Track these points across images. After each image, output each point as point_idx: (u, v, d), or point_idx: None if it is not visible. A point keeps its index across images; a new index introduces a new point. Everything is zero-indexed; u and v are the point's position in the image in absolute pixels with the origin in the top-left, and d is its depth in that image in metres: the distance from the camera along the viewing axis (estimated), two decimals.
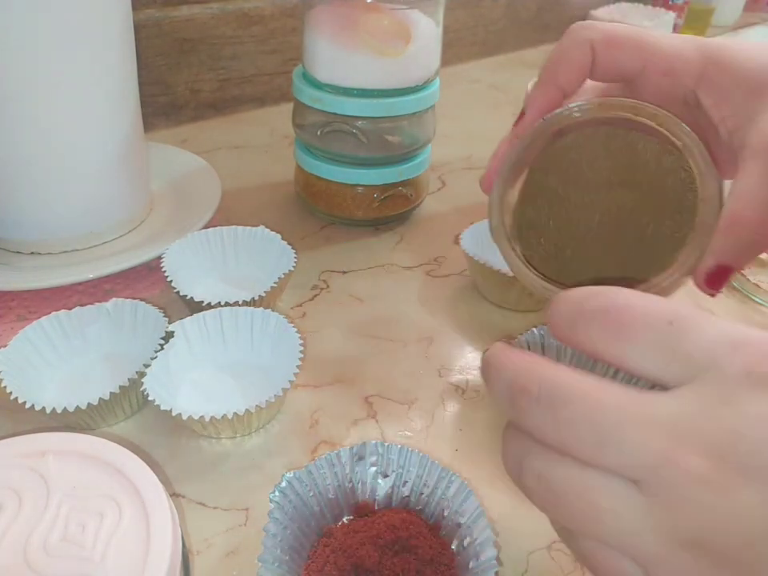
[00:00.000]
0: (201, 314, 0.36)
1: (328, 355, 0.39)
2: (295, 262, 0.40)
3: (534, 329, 0.36)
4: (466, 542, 0.26)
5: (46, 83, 0.38)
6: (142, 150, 0.47)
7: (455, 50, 0.92)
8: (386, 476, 0.28)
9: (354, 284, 0.46)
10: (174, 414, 0.30)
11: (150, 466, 0.24)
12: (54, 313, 0.35)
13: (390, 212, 0.51)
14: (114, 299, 0.36)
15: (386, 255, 0.49)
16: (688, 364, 0.18)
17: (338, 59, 0.45)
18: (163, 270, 0.39)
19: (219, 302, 0.37)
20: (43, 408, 0.30)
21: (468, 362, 0.39)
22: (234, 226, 0.43)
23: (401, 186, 0.50)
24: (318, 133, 0.48)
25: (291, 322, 0.35)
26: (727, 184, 0.27)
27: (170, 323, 0.35)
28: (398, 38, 0.44)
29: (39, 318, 0.34)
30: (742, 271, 0.47)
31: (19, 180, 0.41)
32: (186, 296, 0.38)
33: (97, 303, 0.36)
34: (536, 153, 0.31)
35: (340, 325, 0.42)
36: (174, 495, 0.30)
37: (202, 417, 0.30)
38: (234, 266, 0.44)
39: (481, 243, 0.45)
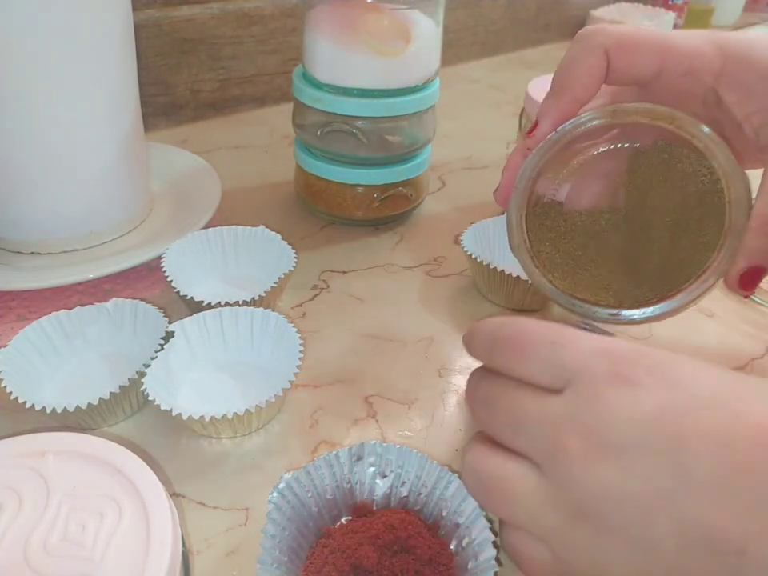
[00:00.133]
0: (201, 314, 0.36)
1: (328, 355, 0.39)
2: (295, 262, 0.40)
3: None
4: (464, 542, 0.26)
5: (46, 83, 0.38)
6: (142, 150, 0.47)
7: (455, 50, 0.92)
8: (384, 476, 0.28)
9: (354, 284, 0.46)
10: (174, 413, 0.30)
11: (150, 465, 0.24)
12: (54, 313, 0.35)
13: (389, 212, 0.51)
14: (114, 299, 0.36)
15: (385, 255, 0.49)
16: (568, 371, 0.23)
17: (338, 59, 0.45)
18: (163, 270, 0.39)
19: (219, 302, 0.37)
20: (43, 408, 0.30)
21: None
22: (233, 226, 0.43)
23: (401, 186, 0.50)
24: (318, 133, 0.48)
25: (291, 322, 0.35)
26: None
27: (170, 323, 0.35)
28: (398, 37, 0.44)
29: (39, 317, 0.35)
30: None
31: (19, 180, 0.41)
32: (186, 296, 0.38)
33: (97, 303, 0.36)
34: (552, 165, 0.31)
35: (340, 325, 0.42)
36: (174, 495, 0.30)
37: (202, 417, 0.30)
38: (234, 266, 0.44)
39: (481, 243, 0.45)
